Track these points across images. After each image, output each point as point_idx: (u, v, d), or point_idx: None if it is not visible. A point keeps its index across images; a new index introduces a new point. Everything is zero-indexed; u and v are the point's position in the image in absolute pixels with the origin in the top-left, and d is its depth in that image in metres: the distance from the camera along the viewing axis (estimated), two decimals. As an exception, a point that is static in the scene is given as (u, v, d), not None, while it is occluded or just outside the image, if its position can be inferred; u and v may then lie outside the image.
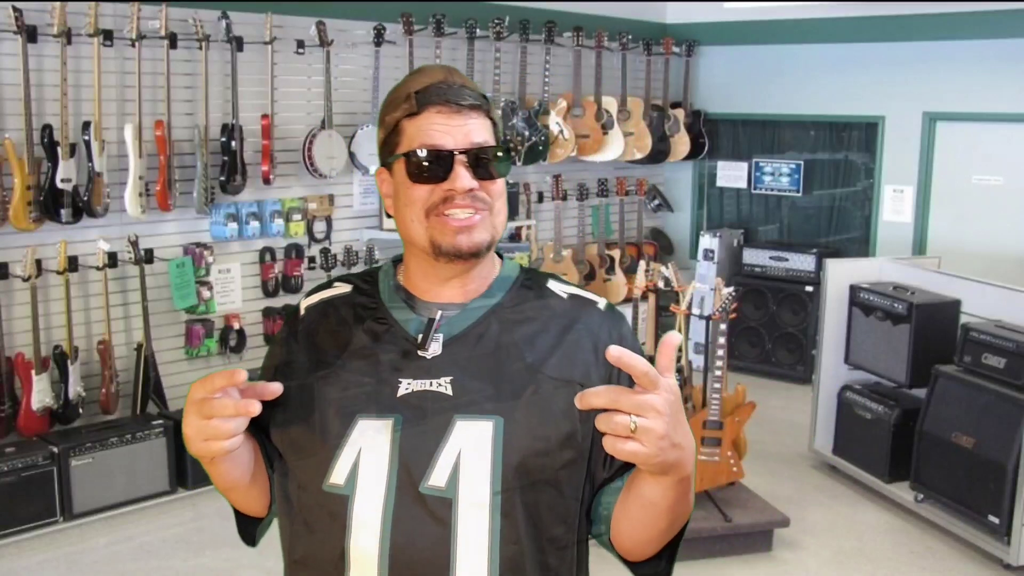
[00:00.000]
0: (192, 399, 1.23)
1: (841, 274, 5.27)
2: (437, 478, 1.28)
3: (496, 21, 6.08)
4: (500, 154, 1.36)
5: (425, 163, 1.33)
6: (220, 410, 1.21)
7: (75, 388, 4.61)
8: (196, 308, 5.10)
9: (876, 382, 5.17)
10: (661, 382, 1.12)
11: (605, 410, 1.13)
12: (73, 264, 4.62)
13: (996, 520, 4.20)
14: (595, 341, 1.38)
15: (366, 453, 1.31)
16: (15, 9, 4.26)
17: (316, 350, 1.40)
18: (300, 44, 5.33)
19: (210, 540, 4.42)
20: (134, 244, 4.77)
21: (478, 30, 6.01)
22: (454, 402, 1.31)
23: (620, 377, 1.35)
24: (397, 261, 1.48)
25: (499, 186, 1.37)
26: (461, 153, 1.32)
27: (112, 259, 4.74)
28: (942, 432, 4.49)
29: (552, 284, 1.45)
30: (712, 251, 7.16)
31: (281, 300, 5.51)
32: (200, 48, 4.89)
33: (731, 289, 4.53)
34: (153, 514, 4.65)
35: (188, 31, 4.85)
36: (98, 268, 4.67)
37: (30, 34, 4.32)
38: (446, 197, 1.33)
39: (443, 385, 1.32)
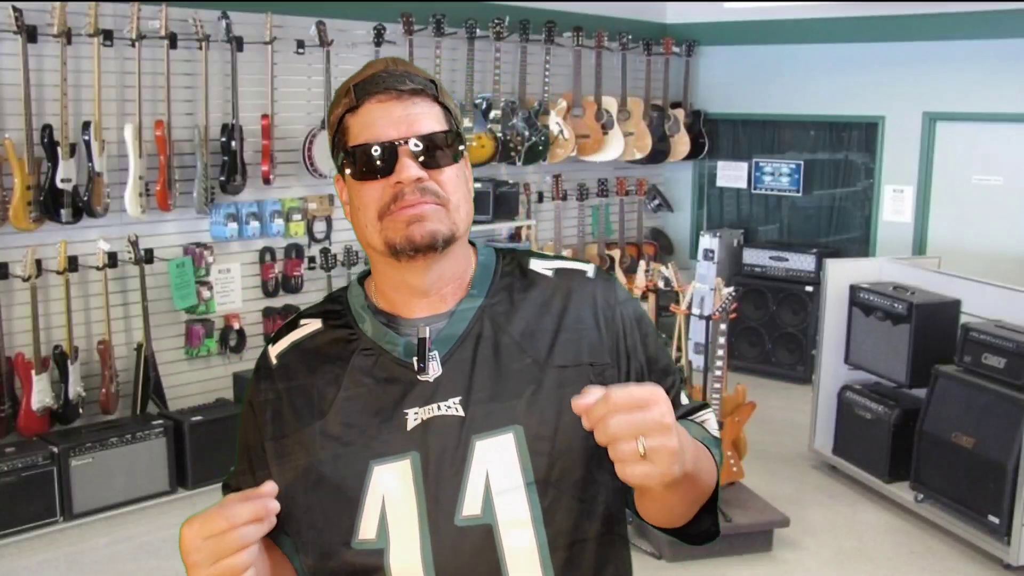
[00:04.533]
0: (199, 536, 1.08)
1: (841, 274, 5.27)
2: (470, 507, 1.21)
3: (496, 21, 6.08)
4: (450, 141, 1.24)
5: (368, 157, 1.22)
6: (238, 542, 1.07)
7: (75, 388, 4.61)
8: (196, 308, 5.10)
9: (876, 382, 5.16)
10: (652, 395, 1.03)
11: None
12: (73, 264, 4.62)
13: (996, 520, 4.20)
14: (594, 313, 1.29)
15: (391, 500, 1.21)
16: (15, 9, 4.26)
17: (302, 401, 1.27)
18: (300, 44, 5.33)
19: (210, 540, 4.41)
20: (134, 244, 4.77)
21: (478, 30, 6.01)
22: (468, 423, 1.22)
23: (630, 342, 1.30)
24: (362, 278, 1.36)
25: (452, 176, 1.25)
26: (405, 143, 1.22)
27: (112, 259, 4.74)
28: (942, 432, 4.49)
29: (534, 264, 1.35)
30: (712, 251, 7.15)
31: (281, 300, 5.51)
32: (200, 48, 4.89)
33: (731, 289, 4.53)
34: (153, 514, 4.65)
35: (188, 31, 4.85)
36: (98, 268, 4.67)
37: (30, 34, 4.32)
38: (395, 193, 1.22)
39: (452, 407, 1.23)
